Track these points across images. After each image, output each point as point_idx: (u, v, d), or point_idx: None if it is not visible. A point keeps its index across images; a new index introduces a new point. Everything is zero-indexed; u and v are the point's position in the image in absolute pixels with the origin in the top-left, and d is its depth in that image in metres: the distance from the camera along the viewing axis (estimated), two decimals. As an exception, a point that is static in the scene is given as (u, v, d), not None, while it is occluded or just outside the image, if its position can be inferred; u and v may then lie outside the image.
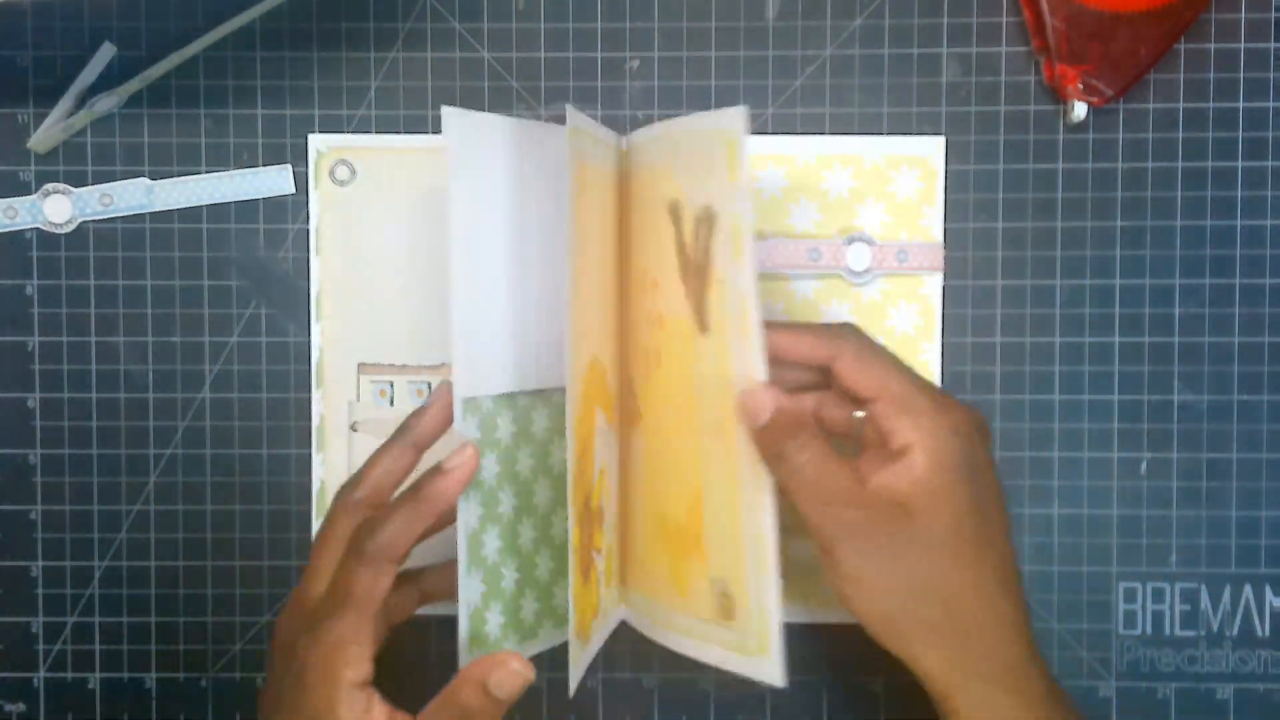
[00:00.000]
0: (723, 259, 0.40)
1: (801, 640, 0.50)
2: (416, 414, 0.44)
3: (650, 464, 0.44)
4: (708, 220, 0.40)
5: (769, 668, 0.40)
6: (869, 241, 0.49)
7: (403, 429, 0.44)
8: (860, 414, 0.43)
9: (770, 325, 0.41)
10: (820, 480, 0.40)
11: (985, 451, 0.42)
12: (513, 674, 0.39)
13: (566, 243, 0.40)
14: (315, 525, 0.50)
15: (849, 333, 0.43)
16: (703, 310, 0.41)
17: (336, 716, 0.39)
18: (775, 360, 0.42)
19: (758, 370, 0.40)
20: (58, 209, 0.50)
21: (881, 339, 0.46)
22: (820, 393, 0.44)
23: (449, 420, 0.43)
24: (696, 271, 0.42)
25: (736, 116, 0.38)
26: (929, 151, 0.49)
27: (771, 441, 0.40)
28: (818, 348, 0.43)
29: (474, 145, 0.42)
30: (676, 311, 0.42)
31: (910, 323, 0.50)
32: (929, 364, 0.50)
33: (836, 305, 0.49)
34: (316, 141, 0.50)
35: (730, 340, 0.40)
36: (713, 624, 0.42)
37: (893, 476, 0.40)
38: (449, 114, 0.41)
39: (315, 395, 0.50)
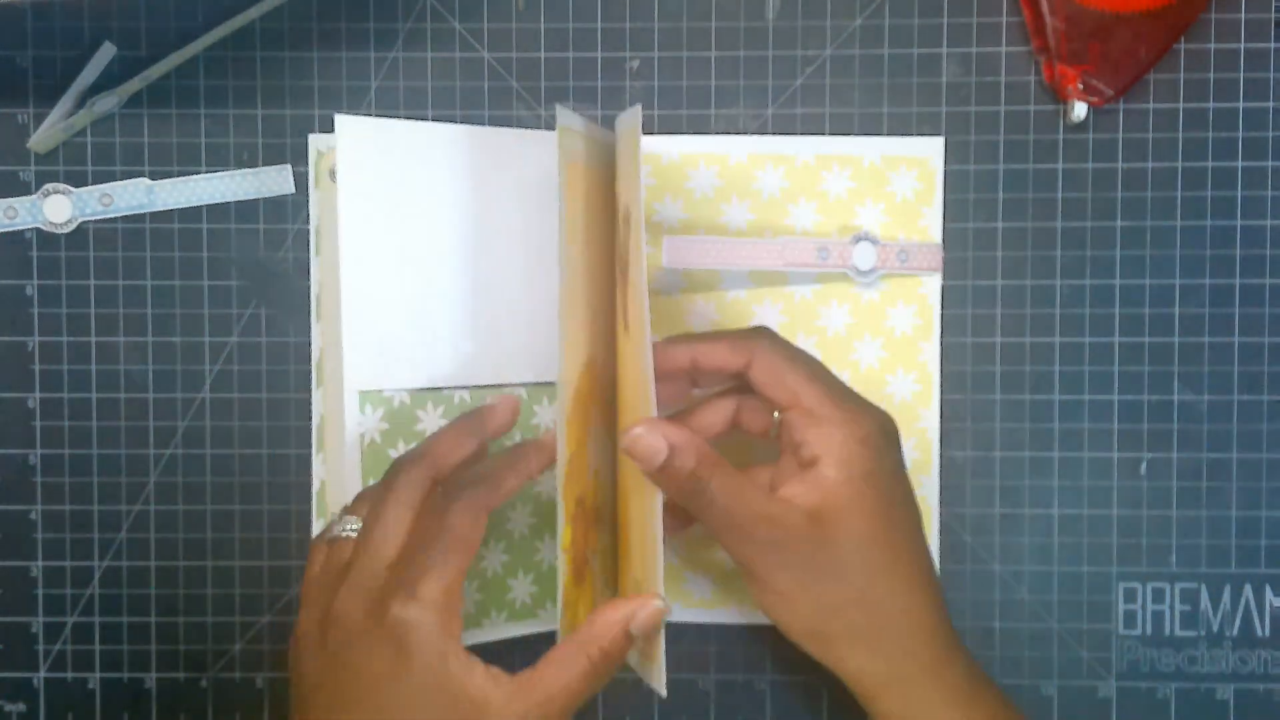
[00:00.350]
0: (634, 259, 0.41)
1: (801, 640, 0.50)
2: (489, 408, 0.45)
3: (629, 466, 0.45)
4: (626, 221, 0.42)
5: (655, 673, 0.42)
6: (874, 240, 0.49)
7: (472, 415, 0.44)
8: (777, 415, 0.43)
9: (685, 336, 0.43)
10: (732, 508, 0.41)
11: (894, 456, 0.42)
12: (656, 611, 0.40)
13: (559, 243, 0.41)
14: (316, 525, 0.50)
15: (763, 339, 0.43)
16: (625, 310, 0.43)
17: (449, 672, 0.38)
18: (694, 369, 0.43)
19: (647, 407, 0.40)
20: (58, 209, 0.50)
21: (881, 339, 0.46)
22: (739, 396, 0.45)
23: (513, 422, 0.45)
24: (622, 272, 0.43)
25: (632, 116, 0.40)
26: (928, 152, 0.49)
27: (675, 481, 0.40)
28: (732, 356, 0.43)
29: (364, 151, 0.45)
30: (618, 312, 0.44)
31: (909, 323, 0.50)
32: (928, 364, 0.50)
33: (836, 306, 0.49)
34: (316, 141, 0.50)
35: (641, 342, 0.40)
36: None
37: (803, 488, 0.41)
38: (341, 121, 0.45)
39: (315, 395, 0.50)
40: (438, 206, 0.47)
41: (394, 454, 0.46)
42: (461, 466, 0.43)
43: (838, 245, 0.49)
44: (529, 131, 0.49)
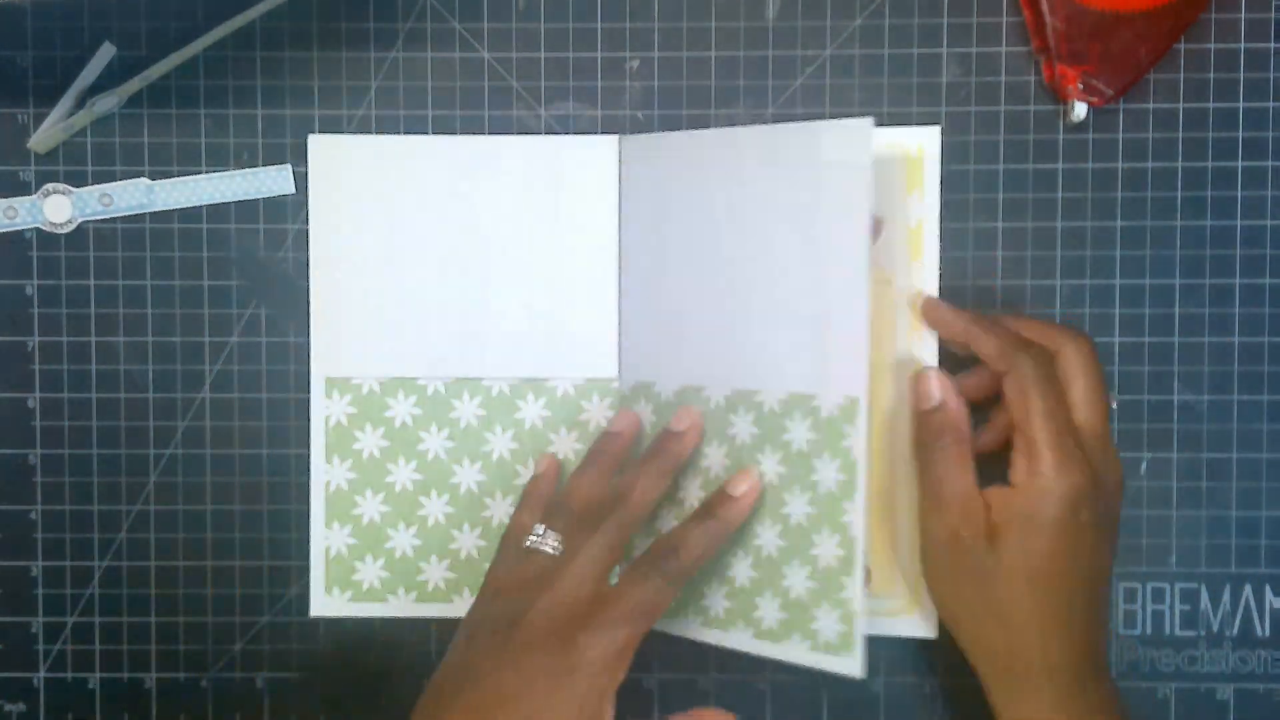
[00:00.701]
0: (891, 260, 0.48)
1: (801, 640, 0.50)
2: (673, 437, 0.47)
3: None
4: (871, 224, 0.44)
5: (921, 623, 0.49)
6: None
7: (659, 449, 0.46)
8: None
9: (976, 316, 0.46)
10: (944, 482, 0.45)
11: (1089, 518, 0.44)
12: (751, 482, 0.45)
13: (858, 244, 0.43)
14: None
15: (1028, 359, 0.44)
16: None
17: (597, 714, 0.41)
18: (964, 346, 0.46)
19: (929, 355, 0.48)
20: (58, 209, 0.50)
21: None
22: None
23: (698, 443, 0.47)
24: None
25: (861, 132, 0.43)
26: (917, 141, 0.49)
27: (923, 428, 0.46)
28: (996, 359, 0.45)
29: (334, 165, 0.50)
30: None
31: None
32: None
33: None
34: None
35: (891, 333, 0.48)
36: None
37: (997, 503, 0.44)
38: (314, 141, 0.50)
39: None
40: (409, 213, 0.50)
41: (360, 436, 0.49)
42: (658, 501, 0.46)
43: None
44: (505, 138, 0.50)
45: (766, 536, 0.46)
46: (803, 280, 0.45)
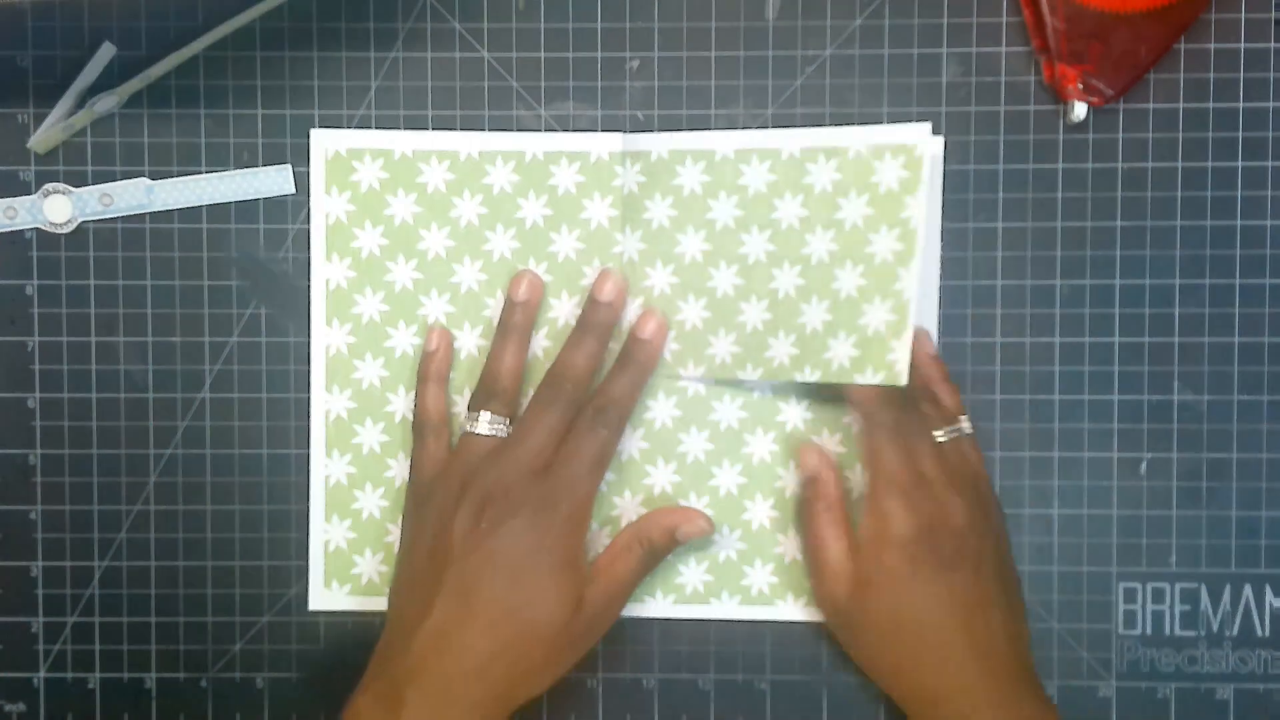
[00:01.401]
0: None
1: (802, 640, 0.50)
2: (600, 307, 0.48)
3: None
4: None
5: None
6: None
7: (587, 318, 0.48)
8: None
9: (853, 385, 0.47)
10: (818, 546, 0.48)
11: (936, 559, 0.46)
12: (700, 529, 0.47)
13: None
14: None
15: (888, 411, 0.46)
16: None
17: (577, 544, 0.45)
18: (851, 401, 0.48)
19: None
20: (58, 209, 0.50)
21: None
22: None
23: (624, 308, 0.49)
24: None
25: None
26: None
27: (803, 498, 0.49)
28: (856, 404, 0.48)
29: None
30: None
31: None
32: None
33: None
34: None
35: None
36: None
37: (855, 559, 0.47)
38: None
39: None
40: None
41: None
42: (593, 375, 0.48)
43: None
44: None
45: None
46: None
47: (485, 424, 0.47)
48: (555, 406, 0.46)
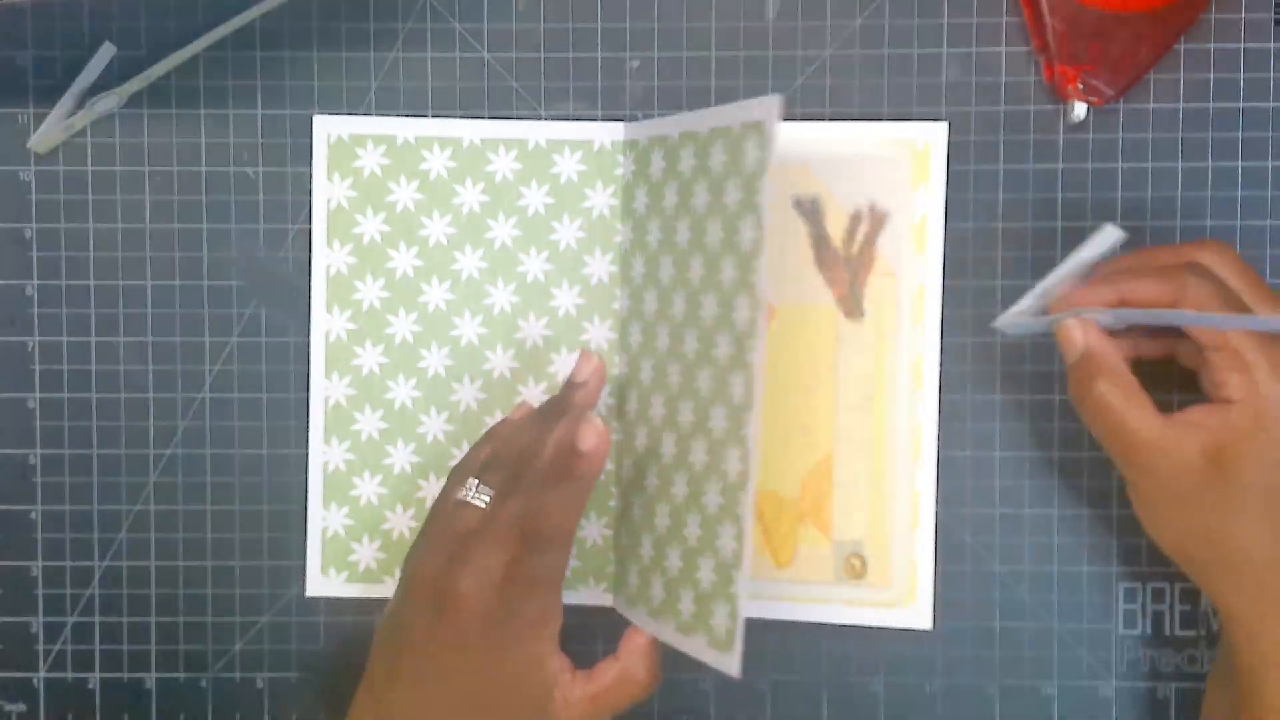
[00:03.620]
0: (896, 254, 0.49)
1: (802, 640, 0.50)
2: (576, 388, 0.47)
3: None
4: (874, 218, 0.47)
5: (917, 615, 0.49)
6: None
7: (564, 397, 0.47)
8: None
9: (1115, 271, 0.43)
10: (1122, 423, 0.42)
11: None
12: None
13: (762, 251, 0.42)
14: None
15: (1194, 276, 0.42)
16: (857, 299, 0.49)
17: (546, 637, 0.42)
18: (1123, 304, 0.43)
19: (932, 348, 0.49)
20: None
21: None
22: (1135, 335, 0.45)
23: (602, 387, 0.48)
24: (847, 263, 0.49)
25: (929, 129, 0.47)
26: (918, 135, 0.49)
27: (1077, 379, 0.43)
28: (1161, 292, 0.42)
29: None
30: (802, 299, 0.49)
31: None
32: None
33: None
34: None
35: (895, 327, 0.49)
36: (832, 585, 0.49)
37: (1208, 426, 0.41)
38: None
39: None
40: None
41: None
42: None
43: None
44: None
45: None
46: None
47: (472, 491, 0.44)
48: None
